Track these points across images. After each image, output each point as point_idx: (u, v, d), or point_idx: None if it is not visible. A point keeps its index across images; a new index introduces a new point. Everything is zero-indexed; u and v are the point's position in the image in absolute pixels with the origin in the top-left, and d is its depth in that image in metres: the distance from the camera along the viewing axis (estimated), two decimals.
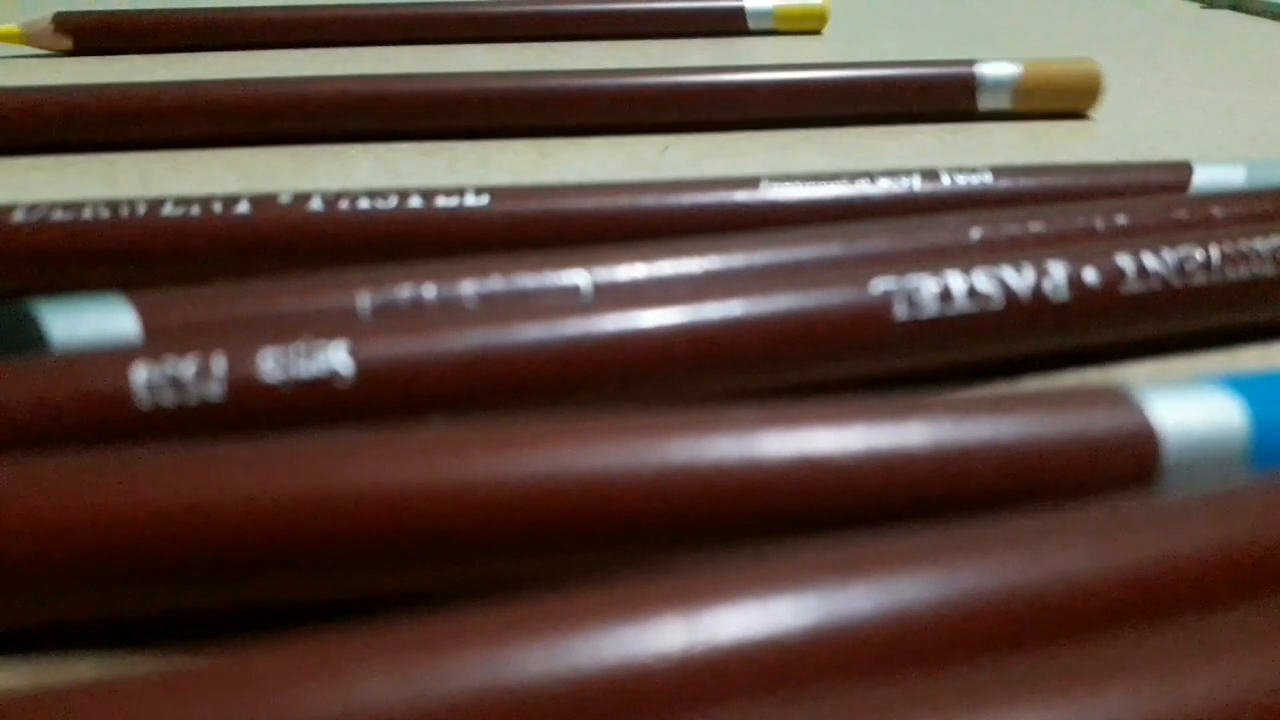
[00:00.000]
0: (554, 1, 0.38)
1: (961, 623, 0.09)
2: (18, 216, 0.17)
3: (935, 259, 0.16)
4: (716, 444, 0.11)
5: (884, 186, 0.19)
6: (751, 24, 0.39)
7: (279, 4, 0.37)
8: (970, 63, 0.28)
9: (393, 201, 0.18)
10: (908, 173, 0.20)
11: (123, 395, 0.12)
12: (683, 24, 0.38)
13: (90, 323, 0.13)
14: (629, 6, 0.38)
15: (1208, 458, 0.12)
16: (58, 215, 0.17)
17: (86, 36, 0.34)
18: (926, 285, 0.15)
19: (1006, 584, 0.10)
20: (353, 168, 0.24)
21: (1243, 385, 0.12)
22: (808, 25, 0.39)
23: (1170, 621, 0.10)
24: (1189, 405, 0.12)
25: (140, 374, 0.12)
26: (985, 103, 0.27)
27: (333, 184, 0.22)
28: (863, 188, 0.19)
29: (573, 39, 0.37)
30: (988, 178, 0.20)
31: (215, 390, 0.12)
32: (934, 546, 0.10)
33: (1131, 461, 0.12)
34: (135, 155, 0.25)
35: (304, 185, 0.21)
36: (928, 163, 0.23)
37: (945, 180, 0.20)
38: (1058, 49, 0.38)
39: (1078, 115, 0.29)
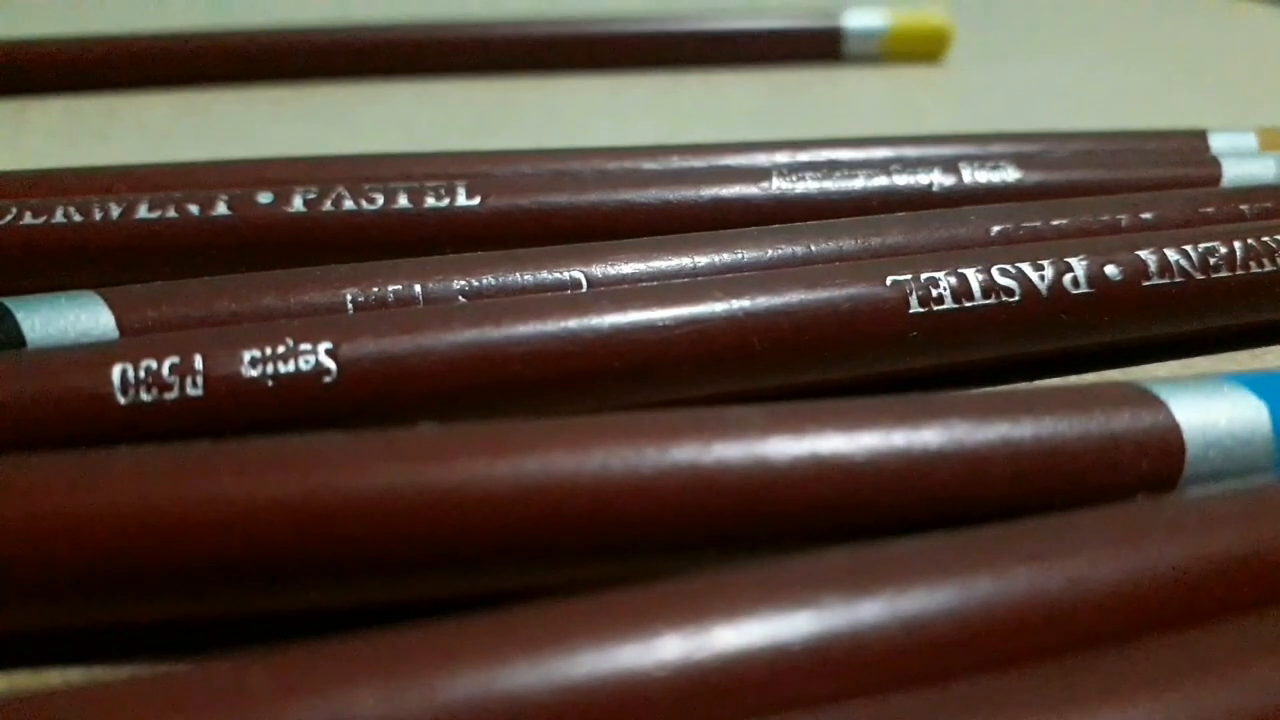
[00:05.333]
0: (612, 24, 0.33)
1: (978, 633, 0.09)
2: None
3: (952, 253, 0.16)
4: (721, 446, 0.11)
5: (901, 181, 0.19)
6: (851, 49, 0.33)
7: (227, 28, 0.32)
8: (1202, 133, 0.24)
9: (379, 202, 0.18)
10: (927, 168, 0.20)
11: (102, 392, 0.12)
12: (761, 49, 0.33)
13: (65, 321, 0.14)
14: (695, 27, 0.33)
15: (1232, 459, 0.12)
16: (28, 219, 0.17)
17: None
18: (942, 279, 0.15)
19: (1025, 592, 0.10)
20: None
21: (1268, 386, 0.13)
22: (923, 51, 0.34)
23: (1194, 628, 0.10)
24: (1214, 405, 0.12)
25: (118, 371, 0.12)
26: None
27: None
28: (880, 182, 0.19)
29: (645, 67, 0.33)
30: (1010, 174, 0.20)
31: (195, 388, 0.12)
32: (949, 554, 0.10)
33: (1156, 462, 0.12)
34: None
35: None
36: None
37: (967, 176, 0.20)
38: (1108, 50, 0.37)
39: None
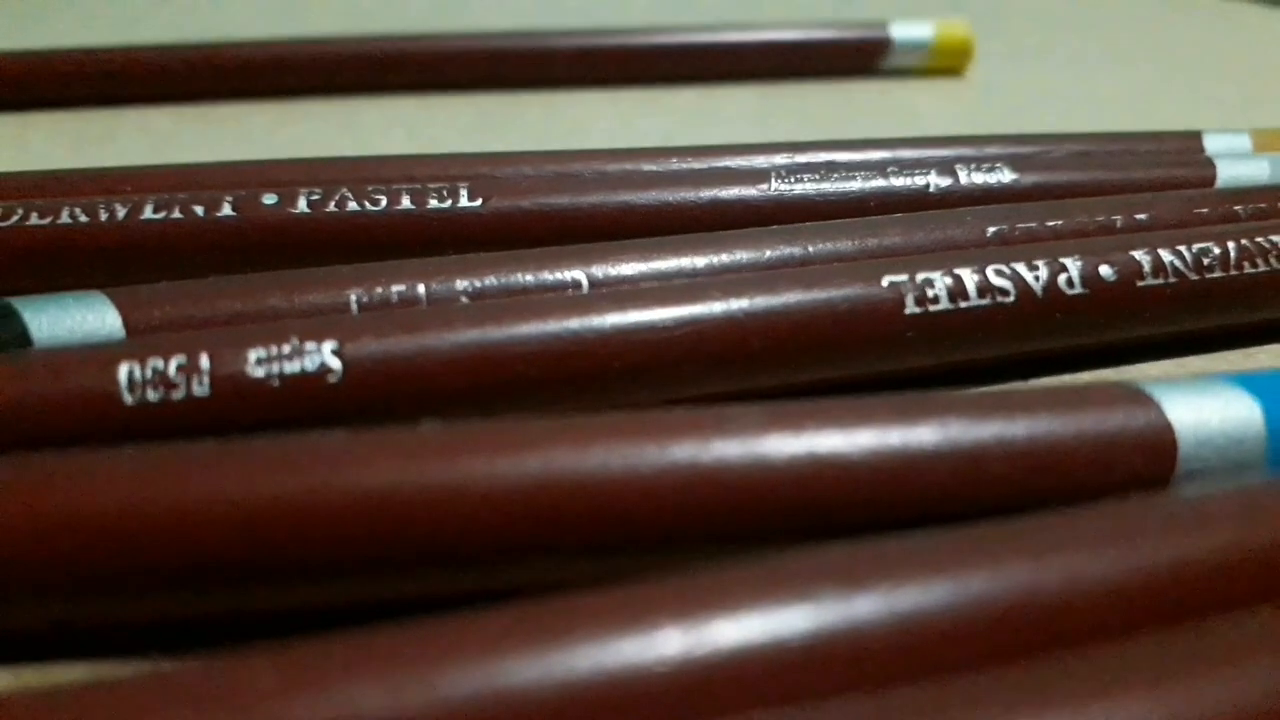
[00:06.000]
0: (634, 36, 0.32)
1: (972, 629, 0.09)
2: None
3: (948, 254, 0.16)
4: (720, 445, 0.11)
5: (899, 183, 0.19)
6: (893, 62, 0.33)
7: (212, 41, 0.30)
8: (1196, 135, 0.24)
9: (382, 203, 0.18)
10: (924, 170, 0.20)
11: (108, 392, 0.12)
12: (787, 61, 0.32)
13: (72, 320, 0.14)
14: (724, 40, 0.32)
15: (1225, 457, 0.12)
16: (34, 219, 0.17)
17: None
18: (938, 279, 0.15)
19: (1020, 589, 0.10)
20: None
21: (1261, 385, 0.13)
22: (951, 64, 0.33)
23: (1188, 625, 0.10)
24: (1206, 404, 0.12)
25: (125, 371, 0.12)
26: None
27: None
28: (877, 184, 0.19)
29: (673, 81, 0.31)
30: (1006, 175, 0.20)
31: (201, 387, 0.12)
32: (944, 550, 0.10)
33: (1148, 460, 0.12)
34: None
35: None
36: None
37: (963, 177, 0.20)
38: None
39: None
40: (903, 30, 0.33)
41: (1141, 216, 0.18)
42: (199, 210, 0.17)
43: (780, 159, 0.21)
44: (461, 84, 0.30)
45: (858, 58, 0.33)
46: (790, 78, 0.32)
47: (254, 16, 0.38)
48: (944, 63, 0.33)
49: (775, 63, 0.32)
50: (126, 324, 0.14)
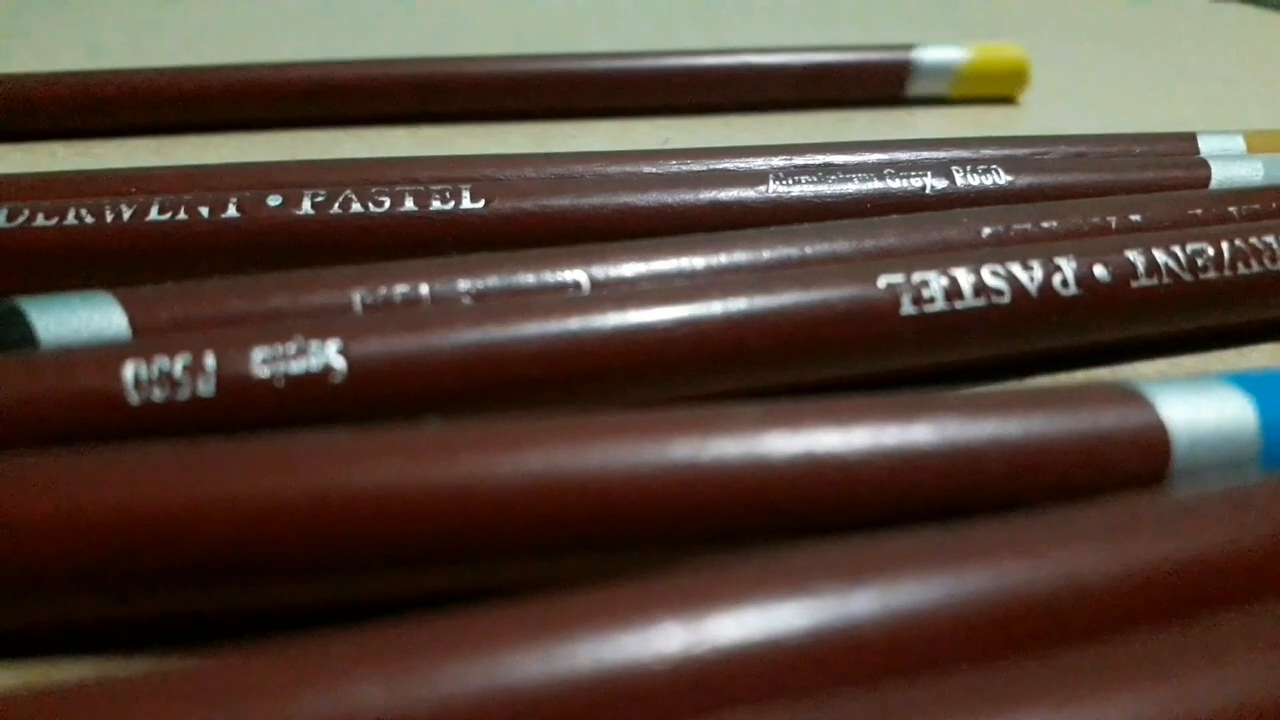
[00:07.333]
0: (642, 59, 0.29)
1: (968, 626, 0.09)
2: None
3: (944, 255, 0.16)
4: (718, 444, 0.11)
5: (895, 185, 0.19)
6: (918, 88, 0.30)
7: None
8: (1191, 136, 0.23)
9: (385, 205, 0.18)
10: (920, 172, 0.20)
11: (114, 392, 0.12)
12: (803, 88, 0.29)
13: (78, 320, 0.14)
14: (745, 63, 0.29)
15: (1219, 456, 0.12)
16: (41, 220, 0.17)
17: None
18: (934, 280, 0.15)
19: (1015, 586, 0.10)
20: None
21: (1254, 384, 0.13)
22: (999, 90, 0.30)
23: (1181, 623, 0.10)
24: (1200, 403, 0.12)
25: (130, 370, 0.12)
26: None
27: None
28: (874, 185, 0.19)
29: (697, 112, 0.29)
30: (1001, 177, 0.20)
31: (206, 387, 0.12)
32: (940, 548, 0.10)
33: (1142, 460, 0.12)
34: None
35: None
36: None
37: (959, 179, 0.20)
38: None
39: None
40: (930, 54, 0.30)
41: (1136, 217, 0.18)
42: (204, 211, 0.17)
43: (778, 161, 0.21)
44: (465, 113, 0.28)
45: (886, 84, 0.30)
46: (823, 107, 0.29)
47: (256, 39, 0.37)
48: (994, 88, 0.30)
49: (806, 90, 0.29)
50: (132, 324, 0.14)
